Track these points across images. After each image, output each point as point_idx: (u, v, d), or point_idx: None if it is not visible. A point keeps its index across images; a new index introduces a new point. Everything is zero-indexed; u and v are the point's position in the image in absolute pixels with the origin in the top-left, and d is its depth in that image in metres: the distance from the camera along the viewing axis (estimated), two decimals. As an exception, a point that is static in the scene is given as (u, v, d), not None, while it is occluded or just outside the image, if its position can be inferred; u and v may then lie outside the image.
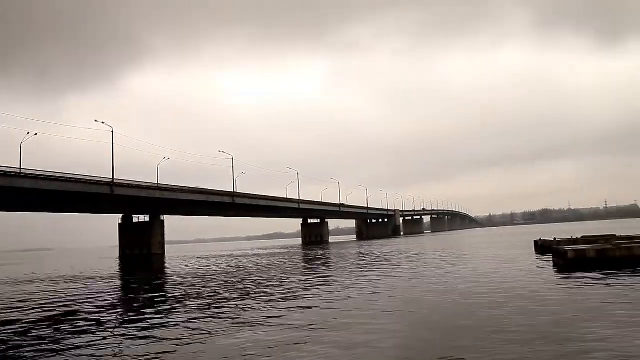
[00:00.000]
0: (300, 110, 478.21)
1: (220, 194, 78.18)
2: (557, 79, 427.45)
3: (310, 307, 13.38)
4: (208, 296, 17.57)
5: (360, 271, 25.02)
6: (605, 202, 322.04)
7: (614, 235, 29.74)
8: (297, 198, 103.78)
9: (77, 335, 10.93)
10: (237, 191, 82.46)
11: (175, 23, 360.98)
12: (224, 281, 23.34)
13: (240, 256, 53.96)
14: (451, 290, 15.20)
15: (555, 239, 31.10)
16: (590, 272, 17.20)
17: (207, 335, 10.17)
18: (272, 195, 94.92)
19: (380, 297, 14.70)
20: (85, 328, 12.06)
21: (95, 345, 9.85)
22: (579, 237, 31.37)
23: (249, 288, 19.45)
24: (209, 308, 14.39)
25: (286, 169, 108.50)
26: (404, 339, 9.21)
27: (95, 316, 14.21)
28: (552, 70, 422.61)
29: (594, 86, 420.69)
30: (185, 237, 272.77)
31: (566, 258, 19.70)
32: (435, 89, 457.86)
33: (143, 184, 65.02)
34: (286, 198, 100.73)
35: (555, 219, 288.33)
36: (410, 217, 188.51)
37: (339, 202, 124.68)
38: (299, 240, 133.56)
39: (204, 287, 21.20)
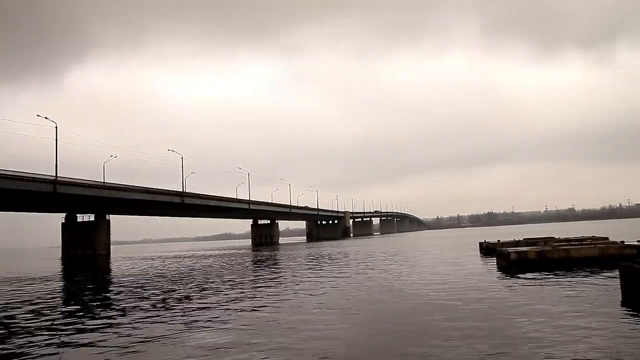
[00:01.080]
0: (250, 111, 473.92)
1: (168, 194, 76.68)
2: (500, 87, 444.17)
3: (258, 309, 13.24)
4: (153, 298, 17.08)
5: (309, 272, 25.05)
6: (546, 206, 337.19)
7: (553, 238, 30.96)
8: (248, 199, 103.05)
9: (7, 342, 10.40)
10: (187, 191, 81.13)
11: (119, 16, 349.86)
12: (170, 283, 22.84)
13: (188, 257, 53.06)
14: (397, 291, 15.37)
15: (499, 241, 32.08)
16: (531, 273, 17.81)
17: (151, 338, 9.84)
18: (222, 195, 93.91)
19: (328, 299, 14.72)
20: (18, 334, 11.51)
21: (27, 354, 9.28)
22: (521, 239, 32.44)
23: (195, 290, 19.10)
24: (153, 310, 14.00)
25: (236, 170, 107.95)
26: (350, 340, 9.25)
27: (29, 323, 13.50)
28: (495, 78, 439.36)
29: (534, 94, 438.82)
30: (131, 238, 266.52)
31: (509, 260, 20.34)
32: (384, 93, 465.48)
33: (88, 182, 62.84)
34: (236, 199, 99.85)
35: (499, 222, 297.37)
36: (360, 219, 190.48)
37: (289, 204, 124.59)
38: (249, 241, 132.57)
39: (148, 289, 20.66)
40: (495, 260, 23.20)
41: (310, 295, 15.75)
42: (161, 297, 17.44)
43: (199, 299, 16.29)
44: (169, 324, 11.59)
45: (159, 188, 75.47)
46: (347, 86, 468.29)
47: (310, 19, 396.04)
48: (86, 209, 73.18)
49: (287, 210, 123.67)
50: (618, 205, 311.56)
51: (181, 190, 79.89)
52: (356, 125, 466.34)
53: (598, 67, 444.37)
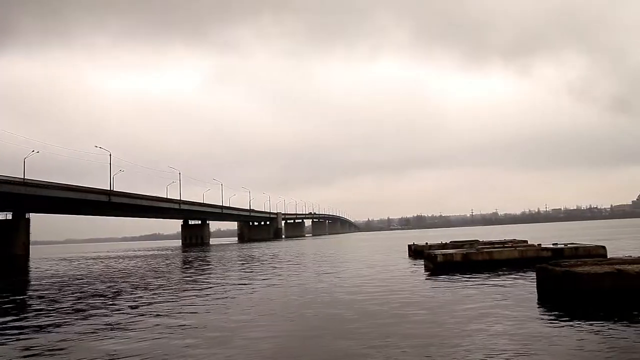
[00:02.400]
0: (181, 109, 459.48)
1: (95, 192, 73.79)
2: (430, 93, 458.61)
3: (186, 311, 13.05)
4: (63, 302, 16.29)
5: (240, 274, 24.94)
6: (472, 210, 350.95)
7: (477, 241, 32.28)
8: (178, 198, 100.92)
9: None
10: (115, 190, 78.44)
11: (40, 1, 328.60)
12: (93, 285, 22.04)
13: (114, 258, 51.32)
14: (326, 293, 15.54)
15: (427, 243, 33.05)
16: (457, 275, 18.52)
17: (69, 342, 9.52)
18: (152, 195, 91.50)
19: (258, 301, 14.70)
20: None
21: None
22: (448, 242, 33.60)
23: (120, 292, 18.55)
24: (73, 313, 13.47)
25: (167, 169, 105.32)
26: (279, 342, 9.33)
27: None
28: (425, 84, 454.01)
29: (461, 102, 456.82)
30: (54, 237, 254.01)
31: (436, 262, 21.08)
32: (317, 95, 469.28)
33: (5, 178, 59.36)
34: (167, 198, 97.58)
35: (428, 225, 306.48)
36: (292, 221, 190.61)
37: (221, 204, 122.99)
38: (179, 242, 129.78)
39: (62, 292, 19.72)
40: (423, 263, 23.95)
41: (233, 298, 15.66)
42: (73, 300, 16.61)
43: (122, 301, 15.83)
44: (75, 329, 11.05)
45: (85, 186, 72.54)
46: (281, 87, 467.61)
47: (243, 17, 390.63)
48: (3, 206, 69.19)
49: (219, 210, 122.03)
50: (537, 210, 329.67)
51: (109, 189, 77.13)
52: (290, 127, 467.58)
53: (518, 79, 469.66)
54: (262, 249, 58.80)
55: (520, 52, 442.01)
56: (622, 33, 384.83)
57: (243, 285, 18.97)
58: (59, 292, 19.48)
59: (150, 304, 14.77)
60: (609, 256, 18.28)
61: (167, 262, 40.72)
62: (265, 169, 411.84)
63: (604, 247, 21.28)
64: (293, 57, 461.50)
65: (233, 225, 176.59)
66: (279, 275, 23.24)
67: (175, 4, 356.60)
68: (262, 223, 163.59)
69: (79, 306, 15.04)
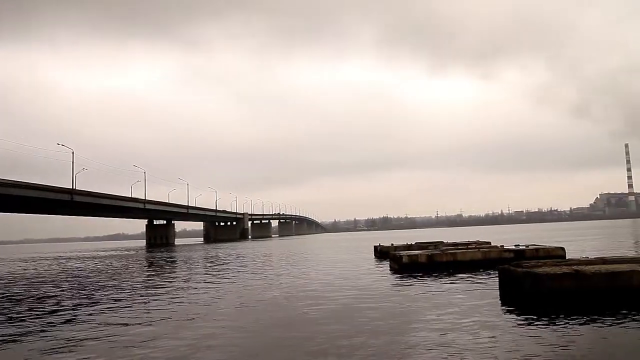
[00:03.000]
0: (146, 107, 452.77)
1: (56, 190, 71.93)
2: (396, 96, 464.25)
3: (150, 312, 12.86)
4: (25, 306, 15.91)
5: (205, 275, 24.71)
6: (437, 211, 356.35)
7: (442, 242, 32.71)
8: (143, 198, 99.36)
9: None
10: (77, 188, 76.68)
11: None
12: (48, 288, 21.53)
13: (75, 259, 50.18)
14: (294, 293, 15.57)
15: (392, 244, 33.33)
16: (421, 276, 18.73)
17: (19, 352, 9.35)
18: (116, 194, 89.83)
19: (223, 303, 14.60)
20: None
21: None
22: (413, 243, 33.93)
23: (78, 294, 18.22)
24: (25, 320, 12.99)
25: (132, 167, 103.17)
26: (244, 345, 9.31)
27: None
28: (392, 87, 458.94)
29: (428, 106, 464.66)
30: (8, 237, 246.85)
31: (401, 263, 21.28)
32: (284, 95, 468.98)
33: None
34: (131, 198, 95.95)
35: (394, 226, 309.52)
36: (258, 221, 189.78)
37: (187, 204, 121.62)
38: (143, 242, 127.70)
39: (21, 295, 19.28)
40: (388, 263, 24.15)
41: (209, 298, 15.56)
42: (34, 305, 16.09)
43: (81, 303, 15.52)
44: (41, 334, 10.85)
45: (46, 184, 70.67)
46: (247, 86, 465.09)
47: (209, 15, 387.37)
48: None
49: (184, 210, 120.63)
50: (500, 212, 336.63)
51: (71, 187, 75.36)
52: (256, 126, 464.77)
53: (482, 83, 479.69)
54: (227, 250, 58.36)
55: (484, 57, 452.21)
56: (582, 41, 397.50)
57: (208, 287, 18.80)
58: (20, 296, 18.95)
59: (120, 306, 14.49)
60: (567, 257, 18.79)
61: (133, 262, 40.05)
62: (232, 169, 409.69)
63: (563, 249, 21.85)
64: (259, 56, 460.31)
65: (199, 226, 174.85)
66: (248, 275, 23.11)
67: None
68: (229, 223, 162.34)
69: (46, 310, 14.62)
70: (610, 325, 9.13)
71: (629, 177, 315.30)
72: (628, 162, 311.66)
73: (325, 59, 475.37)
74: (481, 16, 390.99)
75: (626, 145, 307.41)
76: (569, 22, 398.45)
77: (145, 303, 14.95)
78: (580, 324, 9.26)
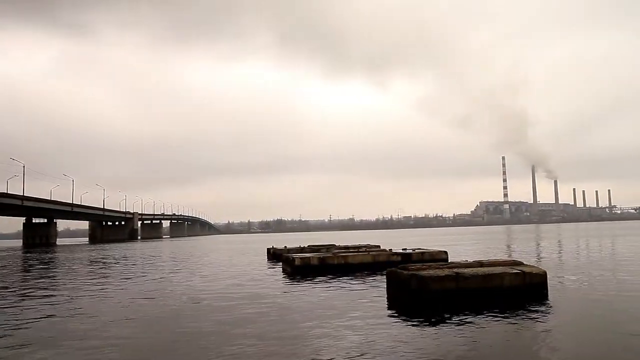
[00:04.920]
0: (26, 97, 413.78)
1: None
2: (292, 99, 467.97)
3: (24, 320, 12.03)
4: None
5: (89, 278, 23.42)
6: (330, 215, 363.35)
7: (334, 245, 33.36)
8: (21, 194, 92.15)
9: None
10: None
11: None
12: None
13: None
14: (181, 297, 15.20)
15: (285, 247, 33.48)
16: (313, 278, 19.00)
17: None
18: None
19: (107, 307, 13.95)
20: None
21: None
22: (306, 246, 34.29)
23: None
24: None
25: (8, 161, 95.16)
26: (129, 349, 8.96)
27: None
28: (289, 90, 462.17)
29: (323, 110, 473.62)
30: None
31: (294, 265, 21.45)
32: (178, 92, 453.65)
33: None
34: (7, 193, 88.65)
35: (288, 229, 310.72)
36: (149, 221, 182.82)
37: (71, 202, 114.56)
38: (20, 242, 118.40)
39: None
40: (281, 266, 24.25)
41: (92, 303, 14.79)
42: None
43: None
44: None
45: None
46: (138, 80, 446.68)
47: (97, 1, 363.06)
48: None
49: (69, 209, 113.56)
50: (390, 217, 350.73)
51: None
52: (148, 123, 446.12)
53: (377, 91, 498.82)
54: (113, 251, 55.70)
55: (378, 66, 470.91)
56: (469, 56, 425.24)
57: (101, 289, 17.83)
58: None
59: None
60: (449, 260, 19.92)
61: (6, 265, 36.96)
62: (122, 166, 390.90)
63: (446, 252, 23.16)
64: (152, 49, 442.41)
65: (84, 225, 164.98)
66: (135, 278, 22.19)
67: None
68: (117, 223, 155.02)
69: None
70: (484, 320, 9.93)
71: (505, 187, 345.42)
72: (504, 173, 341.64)
73: (223, 58, 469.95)
74: (377, 26, 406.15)
75: (503, 158, 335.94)
76: (458, 38, 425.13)
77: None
78: (459, 321, 9.89)
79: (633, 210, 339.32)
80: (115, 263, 33.97)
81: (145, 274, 23.97)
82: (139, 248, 66.27)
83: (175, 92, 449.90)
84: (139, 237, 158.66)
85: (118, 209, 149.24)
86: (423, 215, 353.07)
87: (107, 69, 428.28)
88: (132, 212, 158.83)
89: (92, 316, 12.11)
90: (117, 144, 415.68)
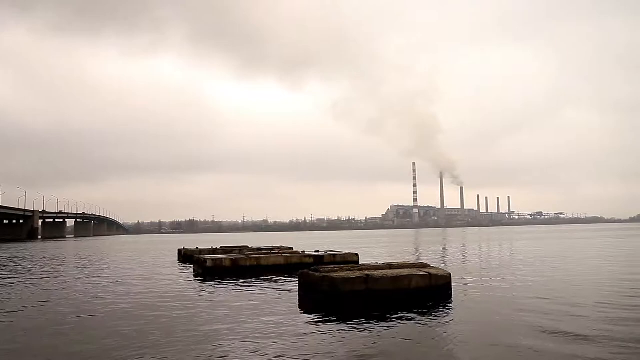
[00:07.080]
0: None
1: None
2: (205, 97, 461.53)
3: None
4: None
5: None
6: (244, 216, 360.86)
7: (247, 247, 33.14)
8: None
9: None
10: None
11: None
12: None
13: None
14: (91, 298, 14.57)
15: (197, 248, 32.81)
16: (225, 280, 18.73)
17: None
18: None
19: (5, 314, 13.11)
20: None
21: None
22: (219, 247, 33.83)
23: None
24: None
25: None
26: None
27: None
28: (201, 88, 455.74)
29: (236, 109, 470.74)
30: None
31: (205, 267, 21.05)
32: (85, 83, 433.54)
33: None
34: None
35: (200, 230, 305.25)
36: (52, 220, 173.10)
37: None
38: None
39: None
40: (192, 267, 23.73)
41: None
42: None
43: None
44: None
45: None
46: (40, 68, 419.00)
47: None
48: None
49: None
50: (303, 219, 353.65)
51: None
52: (53, 115, 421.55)
53: (291, 92, 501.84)
54: (9, 251, 52.07)
55: (292, 67, 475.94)
56: (384, 62, 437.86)
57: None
58: None
59: None
60: (360, 262, 20.37)
61: None
62: (21, 161, 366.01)
63: (357, 255, 23.63)
64: (57, 37, 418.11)
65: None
66: (31, 284, 20.88)
67: None
68: (14, 222, 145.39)
69: None
70: (392, 320, 10.27)
71: (414, 192, 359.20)
72: (414, 178, 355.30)
73: (134, 51, 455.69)
74: (292, 26, 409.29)
75: (413, 164, 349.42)
76: (374, 44, 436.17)
77: None
78: (368, 321, 10.12)
79: (529, 216, 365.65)
80: (23, 263, 31.74)
81: (49, 277, 22.60)
82: (40, 247, 62.55)
83: (83, 83, 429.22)
84: (40, 237, 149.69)
85: (16, 207, 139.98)
86: (336, 218, 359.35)
87: (5, 54, 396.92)
88: (32, 210, 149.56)
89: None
90: (18, 136, 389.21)
